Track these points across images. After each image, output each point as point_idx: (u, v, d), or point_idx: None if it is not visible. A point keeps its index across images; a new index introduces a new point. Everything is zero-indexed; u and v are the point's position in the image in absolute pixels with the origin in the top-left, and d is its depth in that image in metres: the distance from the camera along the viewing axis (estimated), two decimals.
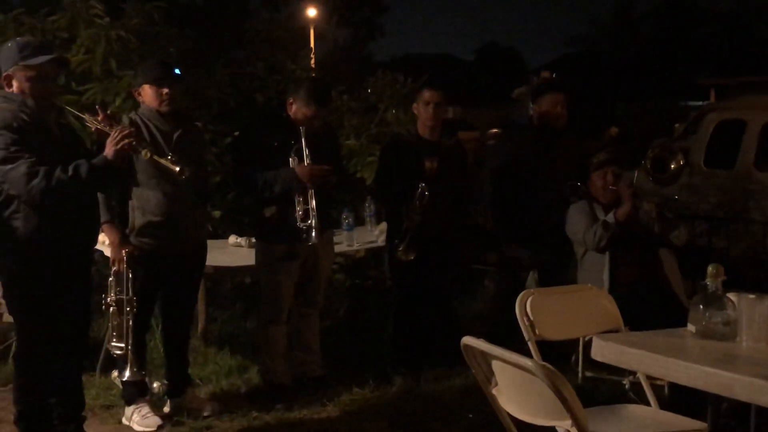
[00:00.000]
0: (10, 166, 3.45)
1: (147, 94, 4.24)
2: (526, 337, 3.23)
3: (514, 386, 2.62)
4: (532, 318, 3.22)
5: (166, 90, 4.20)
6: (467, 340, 2.67)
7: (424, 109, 4.94)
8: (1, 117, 3.53)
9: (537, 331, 3.22)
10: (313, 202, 4.46)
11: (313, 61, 8.03)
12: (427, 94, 4.94)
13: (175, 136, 4.23)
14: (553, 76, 12.51)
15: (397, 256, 4.84)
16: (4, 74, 3.62)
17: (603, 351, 2.85)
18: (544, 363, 2.40)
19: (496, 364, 2.67)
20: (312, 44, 9.00)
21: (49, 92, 3.65)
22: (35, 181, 3.43)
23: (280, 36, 7.52)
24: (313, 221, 4.45)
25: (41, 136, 3.58)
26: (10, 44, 3.64)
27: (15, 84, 3.59)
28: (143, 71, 4.33)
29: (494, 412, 2.80)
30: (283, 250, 4.59)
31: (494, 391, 2.73)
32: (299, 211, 4.48)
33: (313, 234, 4.46)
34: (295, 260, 4.62)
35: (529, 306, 3.23)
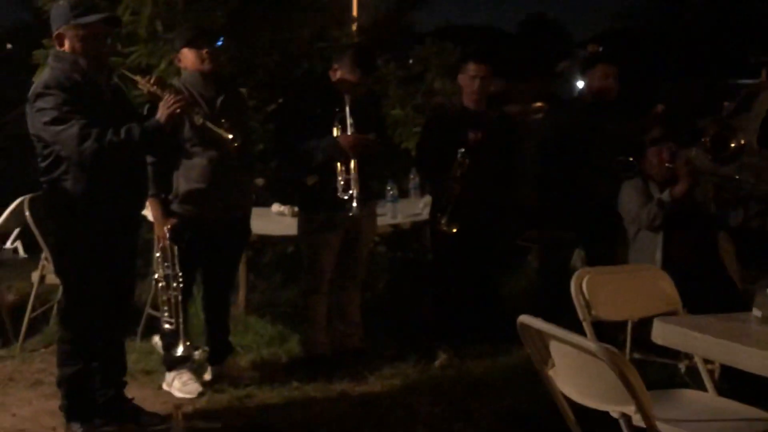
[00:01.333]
0: (61, 127, 3.41)
1: (187, 57, 4.18)
2: (581, 317, 3.13)
3: (573, 368, 2.53)
4: (588, 298, 3.11)
5: (205, 49, 4.14)
6: (524, 318, 2.58)
7: (469, 82, 4.83)
8: (52, 76, 3.49)
9: (593, 312, 3.11)
10: (355, 173, 4.38)
11: (355, 28, 7.89)
12: (472, 67, 4.83)
13: (219, 101, 4.17)
14: (600, 49, 12.26)
15: (439, 229, 4.75)
16: (55, 33, 3.56)
17: (665, 334, 2.75)
18: (607, 345, 2.30)
19: (553, 345, 2.57)
20: (355, 12, 8.83)
21: (101, 52, 3.59)
22: (87, 143, 3.39)
23: (326, 2, 7.39)
24: (355, 192, 4.37)
25: (93, 97, 3.53)
26: (61, 3, 3.58)
27: (67, 43, 3.54)
28: (179, 35, 4.28)
29: (541, 393, 2.71)
30: (324, 220, 4.52)
31: (550, 373, 2.64)
32: (341, 180, 4.40)
33: (354, 205, 4.38)
34: (336, 231, 4.55)
35: (585, 285, 3.12)
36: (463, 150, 4.61)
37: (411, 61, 7.48)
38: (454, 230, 4.72)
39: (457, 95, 5.05)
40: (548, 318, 2.60)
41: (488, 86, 4.93)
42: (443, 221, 4.72)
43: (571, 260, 5.46)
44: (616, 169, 5.01)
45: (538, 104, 10.57)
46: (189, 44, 4.16)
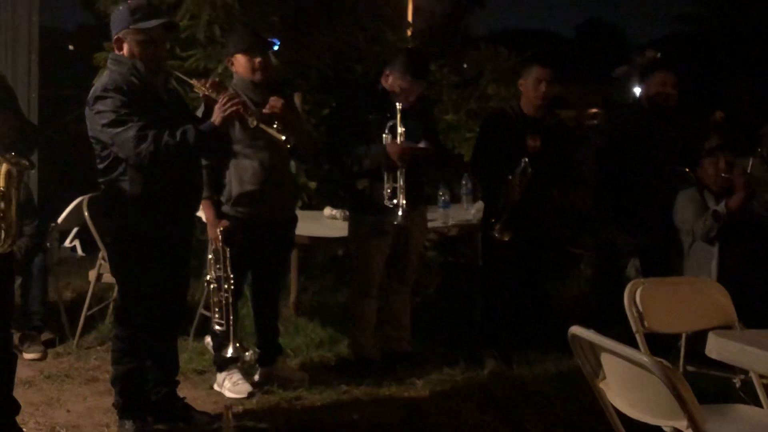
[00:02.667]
0: (119, 129, 3.47)
1: (239, 63, 4.22)
2: (634, 329, 3.08)
3: (625, 381, 2.50)
4: (641, 309, 3.06)
5: (258, 59, 4.17)
6: (575, 330, 2.55)
7: (534, 86, 4.76)
8: (111, 79, 3.56)
9: (646, 323, 3.06)
10: (402, 181, 4.39)
11: (410, 33, 7.91)
12: (540, 71, 4.76)
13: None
14: (658, 55, 12.06)
15: (493, 236, 4.72)
16: (115, 37, 3.63)
17: (719, 348, 2.69)
18: (660, 360, 2.27)
19: (605, 357, 2.54)
20: (410, 16, 8.85)
21: (158, 56, 3.65)
22: (144, 145, 3.44)
23: (381, 6, 7.43)
24: (401, 200, 4.38)
25: (150, 100, 3.59)
26: (121, 7, 3.65)
27: (125, 47, 3.60)
28: (234, 41, 4.31)
29: (591, 404, 2.68)
30: (373, 224, 4.54)
31: (601, 385, 2.61)
32: (387, 189, 4.41)
33: (399, 213, 4.39)
34: (385, 235, 4.56)
35: (638, 296, 3.06)
36: (527, 159, 4.57)
37: (465, 66, 7.47)
38: (507, 238, 4.69)
39: (514, 100, 5.02)
40: (601, 328, 2.58)
41: (552, 91, 4.88)
42: (497, 228, 4.69)
43: (626, 270, 5.38)
44: (672, 179, 4.94)
45: (594, 110, 10.47)
46: (242, 51, 4.20)
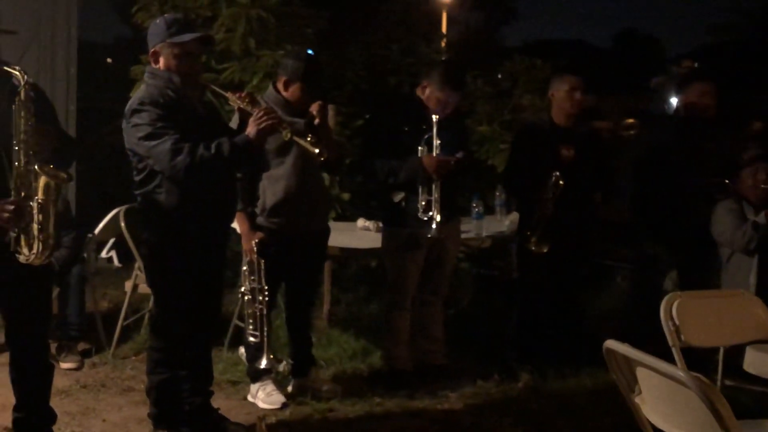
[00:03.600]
0: (155, 142, 3.50)
1: (293, 89, 4.21)
2: (671, 343, 3.04)
3: (661, 396, 2.46)
4: (677, 323, 3.03)
5: (305, 86, 4.18)
6: (610, 344, 2.52)
7: (567, 96, 4.74)
8: (147, 93, 3.60)
9: (682, 337, 3.03)
10: (437, 194, 4.38)
11: (444, 44, 7.91)
12: (572, 81, 4.73)
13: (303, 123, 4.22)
14: (696, 65, 11.97)
15: (528, 248, 4.69)
16: (151, 50, 3.67)
17: (758, 363, 2.66)
18: (697, 374, 2.23)
19: (640, 371, 2.51)
20: (444, 28, 8.86)
21: (194, 70, 3.67)
22: (179, 158, 3.47)
23: (415, 19, 7.44)
24: (435, 213, 4.37)
25: (185, 113, 3.62)
26: (158, 21, 3.68)
27: (162, 60, 3.64)
28: (300, 68, 4.21)
29: (626, 418, 2.65)
30: (408, 236, 4.53)
31: (637, 400, 2.57)
32: (422, 201, 4.41)
33: (434, 226, 4.38)
34: (420, 248, 4.55)
35: (675, 310, 3.03)
36: (558, 173, 4.54)
37: (499, 77, 7.45)
38: (544, 250, 4.66)
39: (546, 111, 4.99)
40: (637, 342, 2.54)
41: (585, 100, 4.85)
42: (533, 240, 4.66)
43: (665, 283, 5.31)
44: (711, 190, 4.87)
45: (630, 120, 10.39)
46: (302, 85, 4.19)
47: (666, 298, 3.09)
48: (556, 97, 4.81)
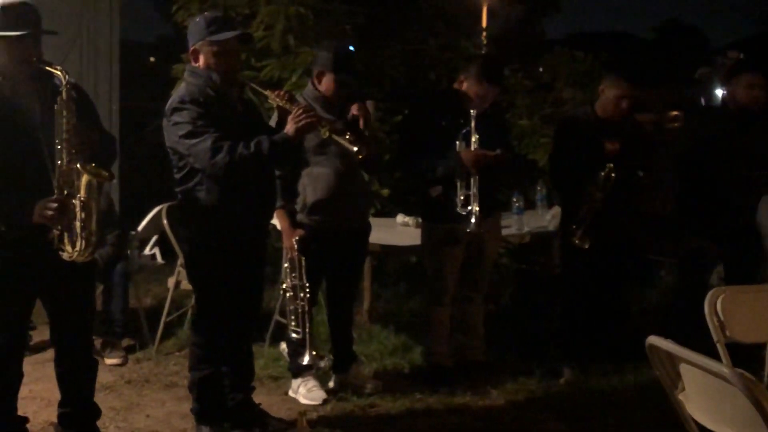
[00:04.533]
0: (195, 140, 3.53)
1: (327, 81, 4.20)
2: (715, 339, 2.99)
3: (705, 393, 2.42)
4: (722, 318, 2.97)
5: (342, 79, 4.17)
6: (653, 340, 2.48)
7: (614, 101, 4.67)
8: (188, 91, 3.63)
9: (727, 333, 2.97)
10: (476, 189, 4.35)
11: (485, 38, 7.85)
12: (625, 89, 4.66)
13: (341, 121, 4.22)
14: (741, 56, 11.71)
15: (572, 243, 4.64)
16: (191, 49, 3.70)
17: None
18: (742, 371, 2.19)
19: (684, 368, 2.47)
20: (484, 22, 8.79)
21: (234, 67, 3.70)
22: (219, 156, 3.50)
23: (454, 13, 7.40)
24: (474, 208, 4.34)
25: (225, 111, 3.64)
26: (198, 20, 3.71)
27: (201, 59, 3.66)
28: (335, 60, 4.20)
29: (669, 415, 2.61)
30: (447, 232, 4.50)
31: (680, 397, 2.53)
32: (460, 196, 4.38)
33: (473, 221, 4.35)
34: (459, 243, 4.52)
35: (719, 305, 2.97)
36: (611, 165, 4.49)
37: (540, 70, 7.38)
38: (587, 245, 4.61)
39: (588, 104, 4.93)
40: (682, 338, 2.50)
41: (629, 109, 4.79)
42: (578, 235, 4.61)
43: (710, 278, 5.21)
44: (757, 183, 4.77)
45: (674, 112, 10.21)
46: (335, 76, 4.18)
47: (711, 292, 3.03)
48: (605, 94, 4.74)
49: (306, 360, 4.13)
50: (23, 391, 3.67)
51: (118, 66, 7.01)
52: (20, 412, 3.63)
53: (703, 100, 10.23)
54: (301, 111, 3.62)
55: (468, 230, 4.38)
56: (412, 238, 5.00)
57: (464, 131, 4.38)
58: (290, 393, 4.45)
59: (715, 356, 2.83)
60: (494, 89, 4.53)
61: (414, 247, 5.02)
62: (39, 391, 4.37)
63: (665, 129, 9.42)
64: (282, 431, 3.94)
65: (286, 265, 4.19)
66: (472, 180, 4.37)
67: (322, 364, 4.57)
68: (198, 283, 3.90)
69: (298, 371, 4.39)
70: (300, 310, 4.09)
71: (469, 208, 4.36)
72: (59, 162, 3.22)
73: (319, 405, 4.29)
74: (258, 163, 3.57)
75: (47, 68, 3.28)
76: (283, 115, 3.71)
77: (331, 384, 4.51)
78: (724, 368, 2.23)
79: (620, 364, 4.65)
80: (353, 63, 4.30)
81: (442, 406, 4.30)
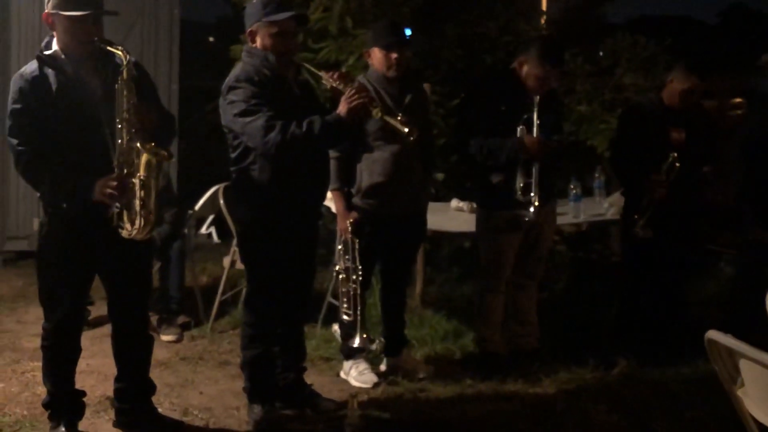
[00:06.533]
0: (249, 119, 3.55)
1: (376, 57, 4.23)
2: None
3: (765, 390, 2.35)
4: None
5: (394, 55, 4.16)
6: (712, 334, 2.42)
7: (682, 95, 4.55)
8: (243, 70, 3.65)
9: None
10: (537, 176, 4.30)
11: (544, 21, 7.72)
12: (694, 82, 4.53)
13: (407, 100, 4.20)
14: None
15: (634, 233, 4.55)
16: (248, 30, 3.71)
17: None
18: None
19: (744, 364, 2.41)
20: (544, 5, 8.64)
21: (290, 48, 3.70)
22: (272, 135, 3.51)
23: None
24: (534, 197, 4.29)
25: (280, 91, 3.65)
26: (254, 1, 3.72)
27: (258, 40, 3.68)
28: (375, 34, 4.29)
29: (726, 409, 2.55)
30: (506, 219, 4.45)
31: (739, 393, 2.47)
32: (520, 183, 4.33)
33: (532, 210, 4.30)
34: (517, 231, 4.47)
35: None
36: (675, 154, 4.39)
37: (601, 54, 7.23)
38: (650, 235, 4.51)
39: (654, 92, 4.82)
40: (741, 330, 2.44)
41: (696, 103, 4.67)
42: (640, 224, 4.52)
43: None
44: None
45: (738, 100, 9.95)
46: (381, 46, 4.20)
47: None
48: (673, 85, 4.61)
49: (357, 342, 4.14)
50: (81, 365, 3.75)
51: (178, 46, 7.08)
52: (78, 386, 3.70)
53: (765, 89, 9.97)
54: (354, 92, 3.61)
55: (527, 219, 4.33)
56: (467, 224, 4.96)
57: (526, 117, 4.32)
58: (341, 374, 4.47)
59: None
60: (556, 72, 4.45)
61: (468, 233, 4.98)
62: (96, 366, 4.47)
63: (727, 116, 9.19)
64: (332, 412, 3.96)
65: (339, 247, 4.19)
66: (534, 168, 4.31)
67: (373, 347, 4.58)
68: (250, 262, 3.92)
69: (350, 353, 4.41)
70: (352, 293, 4.09)
71: (530, 195, 4.30)
72: (119, 141, 3.27)
73: (370, 388, 4.30)
74: (310, 143, 3.58)
75: (108, 48, 3.32)
76: (336, 96, 3.70)
77: (382, 367, 4.52)
78: None
79: (676, 356, 4.56)
80: (400, 33, 4.26)
81: (492, 392, 4.28)
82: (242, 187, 3.76)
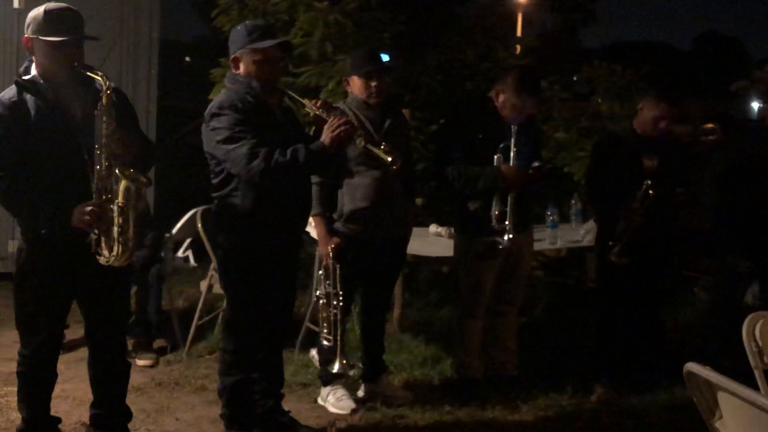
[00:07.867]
0: (233, 146, 3.55)
1: (356, 85, 4.25)
2: (753, 365, 2.92)
3: (744, 423, 2.37)
4: (761, 345, 2.91)
5: (374, 83, 4.19)
6: (691, 367, 2.44)
7: (652, 121, 4.59)
8: (227, 97, 3.65)
9: (766, 359, 2.91)
10: (512, 204, 4.34)
11: (519, 49, 7.80)
12: (664, 110, 4.57)
13: (386, 125, 4.23)
14: None
15: (610, 260, 4.59)
16: (232, 56, 3.72)
17: None
18: None
19: (722, 396, 2.42)
20: (519, 31, 8.75)
21: (274, 75, 3.72)
22: (255, 162, 3.51)
23: (492, 22, 7.37)
24: (509, 225, 4.32)
25: (264, 118, 3.66)
26: (239, 27, 3.74)
27: (242, 66, 3.69)
28: (354, 62, 4.31)
29: None
30: (483, 246, 4.47)
31: (717, 425, 2.49)
32: (495, 211, 4.36)
33: (506, 238, 4.33)
34: (495, 258, 4.50)
35: (758, 331, 2.91)
36: (649, 182, 4.44)
37: (575, 78, 7.31)
38: (625, 261, 4.55)
39: (627, 120, 4.89)
40: (716, 356, 2.46)
41: (667, 129, 4.73)
42: (615, 251, 4.56)
43: (745, 296, 5.14)
44: None
45: (710, 125, 10.07)
46: (361, 74, 4.23)
47: (749, 318, 2.97)
48: (644, 113, 4.67)
49: (336, 368, 4.13)
50: (56, 389, 3.70)
51: (157, 68, 7.07)
52: (53, 411, 3.66)
53: (738, 114, 10.11)
54: (336, 121, 3.63)
55: (501, 247, 4.36)
56: (445, 249, 4.98)
57: (503, 145, 4.36)
58: (319, 400, 4.45)
59: (752, 378, 2.79)
60: (532, 101, 4.50)
61: (446, 258, 4.99)
62: (71, 390, 4.42)
63: (701, 141, 9.30)
64: None
65: (320, 272, 4.19)
66: (509, 196, 4.34)
67: (352, 372, 4.57)
68: (230, 289, 3.91)
69: (329, 379, 4.39)
70: (332, 318, 4.08)
71: (505, 224, 4.34)
72: (98, 167, 3.25)
73: (348, 414, 4.28)
74: (294, 171, 3.58)
75: (88, 73, 3.31)
76: (319, 124, 3.71)
77: (360, 393, 4.51)
78: (764, 399, 2.19)
79: (654, 382, 4.59)
80: (378, 61, 4.29)
81: (471, 419, 4.28)
82: (224, 213, 3.76)
